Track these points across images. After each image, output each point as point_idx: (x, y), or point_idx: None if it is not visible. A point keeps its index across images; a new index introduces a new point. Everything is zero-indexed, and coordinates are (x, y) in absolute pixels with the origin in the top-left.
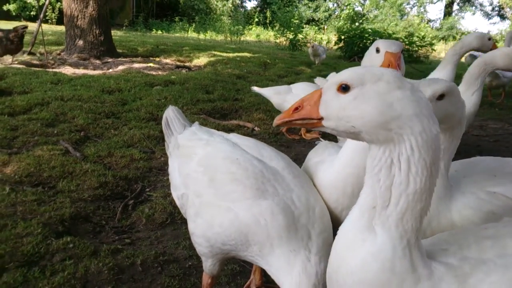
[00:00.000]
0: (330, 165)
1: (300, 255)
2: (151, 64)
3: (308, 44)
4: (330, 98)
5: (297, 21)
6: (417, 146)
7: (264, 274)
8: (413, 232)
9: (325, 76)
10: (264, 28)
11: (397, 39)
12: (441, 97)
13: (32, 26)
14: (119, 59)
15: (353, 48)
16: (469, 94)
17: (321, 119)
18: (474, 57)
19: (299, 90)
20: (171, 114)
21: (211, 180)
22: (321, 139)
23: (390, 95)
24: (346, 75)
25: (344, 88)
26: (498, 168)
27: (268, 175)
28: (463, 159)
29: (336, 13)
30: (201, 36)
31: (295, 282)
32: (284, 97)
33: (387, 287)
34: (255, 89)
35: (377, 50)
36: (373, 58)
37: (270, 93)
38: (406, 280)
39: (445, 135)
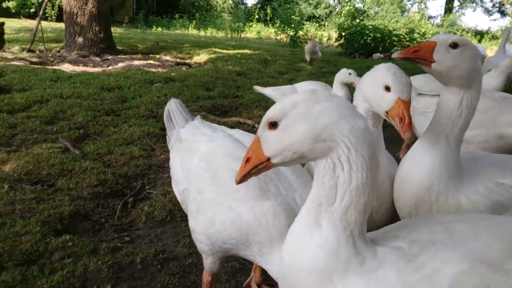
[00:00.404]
0: None
1: None
2: (151, 61)
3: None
4: (266, 138)
5: (297, 18)
6: (352, 144)
7: (264, 271)
8: (356, 225)
9: (325, 72)
10: (264, 25)
11: (397, 35)
12: (455, 46)
13: (31, 23)
14: (119, 56)
15: (353, 45)
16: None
17: (269, 159)
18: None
19: (304, 90)
20: (173, 106)
21: (213, 177)
22: None
23: (312, 112)
24: (270, 113)
25: (273, 125)
26: (507, 162)
27: (271, 174)
28: (471, 153)
29: (336, 9)
30: (202, 33)
31: None
32: None
33: (335, 272)
34: (258, 88)
35: (387, 88)
36: (381, 95)
37: (274, 94)
38: (351, 263)
39: (454, 104)
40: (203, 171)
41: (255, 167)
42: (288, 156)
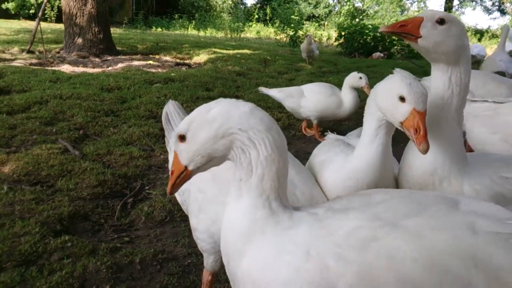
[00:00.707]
0: (335, 168)
1: None
2: (151, 62)
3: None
4: (181, 150)
5: (297, 17)
6: (246, 127)
7: None
8: (272, 190)
9: (325, 72)
10: (264, 25)
11: None
12: (442, 22)
13: (31, 25)
14: (119, 56)
15: (353, 44)
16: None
17: (186, 167)
18: (473, 56)
19: (312, 93)
20: (171, 108)
21: (215, 175)
22: (329, 132)
23: (206, 119)
24: (178, 129)
25: (182, 138)
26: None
27: None
28: (474, 152)
29: (336, 9)
30: (201, 33)
31: None
32: (298, 101)
33: (253, 232)
34: (263, 89)
35: (402, 99)
36: (395, 105)
37: (280, 95)
38: (268, 223)
39: (444, 83)
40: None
41: (178, 177)
42: (199, 160)
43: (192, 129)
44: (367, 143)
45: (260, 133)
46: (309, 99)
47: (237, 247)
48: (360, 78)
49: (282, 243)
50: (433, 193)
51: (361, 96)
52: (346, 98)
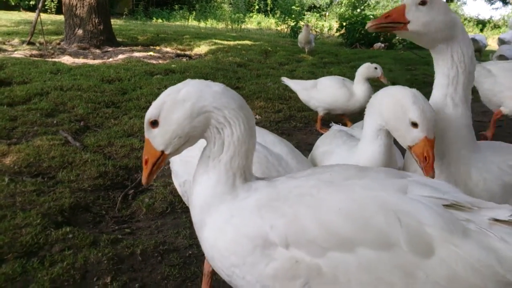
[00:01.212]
0: (337, 160)
1: None
2: (151, 53)
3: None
4: (154, 136)
5: (298, 8)
6: (220, 106)
7: None
8: (239, 168)
9: (326, 63)
10: (265, 16)
11: None
12: (423, 3)
13: (31, 16)
14: (119, 48)
15: (354, 35)
16: None
17: (163, 152)
18: (475, 41)
19: (323, 86)
20: None
21: None
22: (333, 123)
23: (178, 99)
24: (148, 114)
25: (153, 123)
26: None
27: (273, 160)
28: (482, 141)
29: None
30: (202, 24)
31: None
32: (309, 93)
33: (212, 205)
34: (285, 80)
35: (414, 124)
36: (406, 129)
37: (297, 87)
38: (225, 198)
39: (447, 63)
40: None
41: (154, 164)
42: (177, 142)
43: (164, 112)
44: (369, 142)
45: (234, 111)
46: (319, 91)
47: (200, 219)
48: (376, 68)
49: (233, 211)
50: (385, 168)
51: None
52: (359, 90)
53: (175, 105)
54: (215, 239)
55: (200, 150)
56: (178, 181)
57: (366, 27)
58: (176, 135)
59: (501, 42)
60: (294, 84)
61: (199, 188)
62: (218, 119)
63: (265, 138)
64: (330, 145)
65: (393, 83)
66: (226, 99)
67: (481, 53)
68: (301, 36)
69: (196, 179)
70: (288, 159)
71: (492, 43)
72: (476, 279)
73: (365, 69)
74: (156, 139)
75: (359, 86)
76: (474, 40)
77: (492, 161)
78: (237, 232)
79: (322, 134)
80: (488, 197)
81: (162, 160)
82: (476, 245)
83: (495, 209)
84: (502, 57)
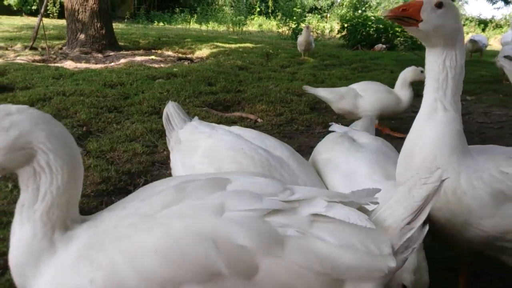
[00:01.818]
0: (341, 175)
1: None
2: (153, 57)
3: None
4: None
5: (299, 10)
6: (49, 149)
7: None
8: (58, 219)
9: (328, 65)
10: (266, 18)
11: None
12: (440, 5)
13: (33, 21)
14: (121, 52)
15: (356, 36)
16: None
17: None
18: (474, 42)
19: (368, 92)
20: (171, 109)
21: (217, 170)
22: (333, 123)
23: (3, 124)
24: None
25: None
26: None
27: (274, 163)
28: (477, 145)
29: (338, 1)
30: (203, 27)
31: None
32: (353, 101)
33: (27, 265)
34: (308, 89)
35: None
36: None
37: (331, 97)
38: (43, 256)
39: (438, 66)
40: (207, 166)
41: None
42: None
43: None
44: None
45: (62, 160)
46: (366, 98)
47: (17, 279)
48: (422, 71)
49: (53, 270)
50: (209, 177)
51: None
52: (404, 94)
53: None
54: None
55: (202, 157)
56: None
57: (383, 15)
58: None
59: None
60: (325, 93)
61: (15, 242)
62: (40, 161)
63: (266, 142)
64: (332, 152)
65: (394, 85)
66: (60, 145)
67: (482, 53)
68: (301, 39)
69: (12, 228)
70: (290, 162)
71: (494, 43)
72: (302, 284)
73: (412, 73)
74: None
75: (403, 91)
76: (473, 41)
77: (483, 167)
78: None
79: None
80: (477, 205)
81: None
82: (296, 252)
83: (312, 200)
84: (508, 58)
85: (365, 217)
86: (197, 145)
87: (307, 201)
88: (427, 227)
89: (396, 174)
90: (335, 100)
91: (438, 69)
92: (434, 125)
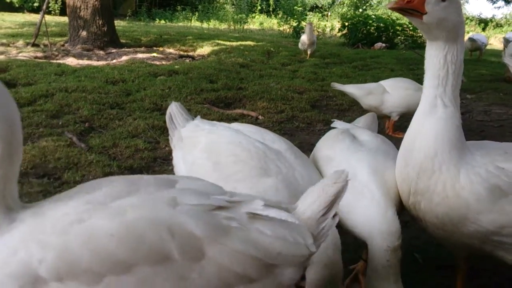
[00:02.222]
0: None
1: None
2: (155, 54)
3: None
4: None
5: (300, 8)
6: None
7: None
8: None
9: (328, 63)
10: (267, 16)
11: (401, 25)
12: None
13: (35, 18)
14: (123, 49)
15: (357, 35)
16: None
17: None
18: (473, 41)
19: (396, 90)
20: (174, 109)
21: (215, 164)
22: (335, 120)
23: None
24: None
25: None
26: (511, 147)
27: (271, 155)
28: (473, 141)
29: None
30: (205, 25)
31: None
32: (380, 97)
33: None
34: (336, 85)
35: None
36: None
37: (359, 93)
38: None
39: (439, 61)
40: (205, 161)
41: None
42: None
43: None
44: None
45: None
46: (394, 95)
47: None
48: None
49: None
50: (156, 177)
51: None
52: None
53: None
54: None
55: (201, 151)
56: None
57: (387, 6)
58: None
59: (507, 41)
60: (353, 89)
61: None
62: None
63: (264, 136)
64: (332, 150)
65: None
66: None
67: (481, 52)
68: (304, 37)
69: None
70: (287, 155)
71: (494, 42)
72: (241, 268)
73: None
74: None
75: None
76: (472, 40)
77: (480, 163)
78: (1, 273)
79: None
80: (474, 200)
81: None
82: (238, 240)
83: (250, 202)
84: None
85: (293, 216)
86: (198, 141)
87: (246, 202)
88: (337, 218)
89: (396, 171)
90: (362, 96)
91: (439, 64)
92: (434, 121)
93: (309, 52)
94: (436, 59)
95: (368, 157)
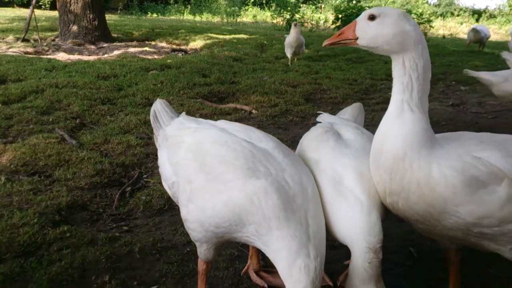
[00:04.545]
0: (329, 178)
1: (302, 248)
2: (147, 48)
3: (306, 24)
4: None
5: (293, 0)
6: None
7: (262, 258)
8: None
9: (322, 56)
10: (260, 9)
11: None
12: (373, 18)
13: (25, 12)
14: (114, 43)
15: None
16: None
17: None
18: (476, 32)
19: None
20: (159, 107)
21: (201, 164)
22: (321, 112)
23: None
24: None
25: None
26: (487, 136)
27: (259, 156)
28: (445, 133)
29: None
30: (197, 18)
31: (295, 280)
32: None
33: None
34: (470, 72)
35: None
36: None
37: (495, 79)
38: None
39: (399, 70)
40: (191, 161)
41: None
42: None
43: None
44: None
45: None
46: None
47: None
48: None
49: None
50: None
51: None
52: None
53: None
54: None
55: (186, 152)
56: (167, 184)
57: (323, 45)
58: None
59: None
60: (487, 76)
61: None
62: None
63: (250, 134)
64: (317, 152)
65: (390, 75)
66: None
67: (483, 44)
68: (289, 39)
69: None
70: (275, 153)
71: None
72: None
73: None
74: None
75: None
76: (475, 30)
77: (454, 155)
78: None
79: None
80: (451, 193)
81: None
82: None
83: None
84: None
85: None
86: (182, 141)
87: None
88: None
89: (371, 173)
90: (498, 82)
91: (400, 72)
92: (402, 123)
93: (291, 58)
94: (397, 67)
95: (353, 162)
